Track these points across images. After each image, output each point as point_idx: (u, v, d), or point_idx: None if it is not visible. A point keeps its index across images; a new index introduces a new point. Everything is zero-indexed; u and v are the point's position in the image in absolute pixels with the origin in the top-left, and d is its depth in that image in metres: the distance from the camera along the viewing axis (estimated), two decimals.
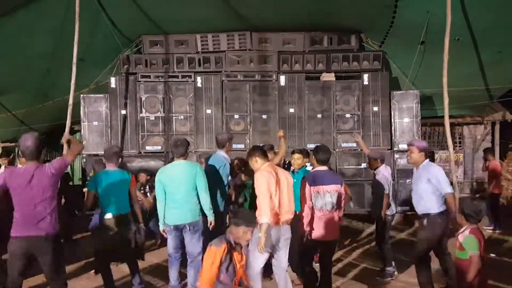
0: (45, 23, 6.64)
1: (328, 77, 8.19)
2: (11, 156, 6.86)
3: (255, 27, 8.06)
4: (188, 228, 4.55)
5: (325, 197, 4.24)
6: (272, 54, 8.20)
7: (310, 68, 8.22)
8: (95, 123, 8.02)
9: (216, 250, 2.87)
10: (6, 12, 5.85)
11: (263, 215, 3.92)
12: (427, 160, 4.63)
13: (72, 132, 8.92)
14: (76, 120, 8.19)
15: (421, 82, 8.33)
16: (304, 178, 4.43)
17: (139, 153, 8.01)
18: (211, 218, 4.70)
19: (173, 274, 4.76)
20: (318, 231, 4.26)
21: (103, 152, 5.79)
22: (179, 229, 4.59)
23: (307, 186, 4.26)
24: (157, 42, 8.31)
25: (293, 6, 7.20)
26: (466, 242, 3.37)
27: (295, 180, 4.55)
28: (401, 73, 8.53)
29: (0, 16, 5.85)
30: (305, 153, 5.38)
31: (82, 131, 8.08)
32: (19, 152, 7.34)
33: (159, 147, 8.05)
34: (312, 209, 4.24)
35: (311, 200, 4.23)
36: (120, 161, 4.99)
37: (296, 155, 5.25)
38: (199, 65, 8.22)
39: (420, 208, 4.61)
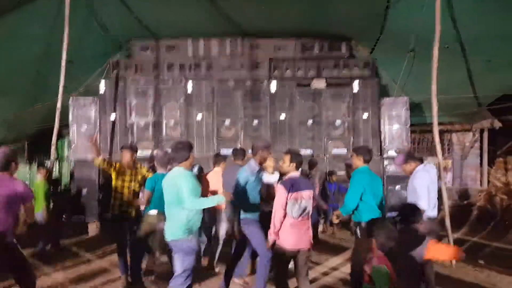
0: (35, 26, 6.58)
1: (319, 83, 8.22)
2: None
3: (247, 32, 8.09)
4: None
5: (302, 204, 3.98)
6: (264, 60, 8.24)
7: (301, 75, 8.26)
8: (84, 126, 7.92)
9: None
10: None
11: None
12: None
13: (61, 135, 8.78)
14: (65, 124, 8.09)
15: (410, 89, 8.38)
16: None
17: None
18: None
19: None
20: (290, 239, 3.95)
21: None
22: None
23: (283, 192, 3.97)
24: (148, 47, 8.29)
25: (284, 12, 7.22)
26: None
27: None
28: (391, 80, 8.59)
29: None
30: None
31: (71, 135, 7.96)
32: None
33: (149, 152, 7.96)
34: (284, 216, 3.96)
35: (285, 208, 3.94)
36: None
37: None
38: (190, 70, 8.21)
39: None
